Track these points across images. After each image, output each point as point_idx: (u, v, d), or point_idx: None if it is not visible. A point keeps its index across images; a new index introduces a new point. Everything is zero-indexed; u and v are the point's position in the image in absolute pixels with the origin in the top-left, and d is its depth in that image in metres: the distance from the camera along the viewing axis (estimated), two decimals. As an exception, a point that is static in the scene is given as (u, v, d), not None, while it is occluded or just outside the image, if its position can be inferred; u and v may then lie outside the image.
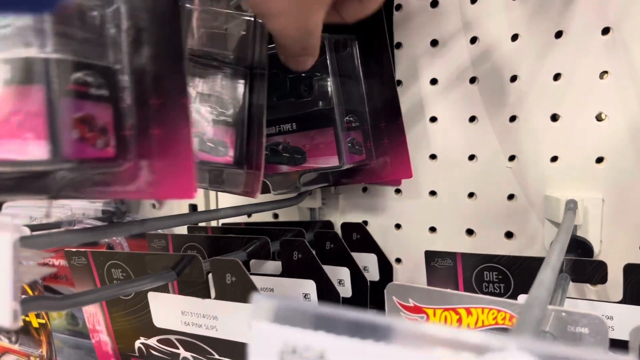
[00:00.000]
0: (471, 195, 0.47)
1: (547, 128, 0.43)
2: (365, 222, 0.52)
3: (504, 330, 0.27)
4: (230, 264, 0.32)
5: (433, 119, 0.47)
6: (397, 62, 0.47)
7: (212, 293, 0.35)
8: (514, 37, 0.43)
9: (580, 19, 0.41)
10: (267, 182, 0.47)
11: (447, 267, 0.40)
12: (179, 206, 0.61)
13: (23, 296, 0.25)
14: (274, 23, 0.28)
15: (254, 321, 0.15)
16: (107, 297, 0.32)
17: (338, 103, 0.42)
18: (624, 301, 0.35)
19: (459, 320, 0.28)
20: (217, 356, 0.36)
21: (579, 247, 0.42)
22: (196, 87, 0.37)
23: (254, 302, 0.15)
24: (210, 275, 0.34)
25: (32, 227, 0.54)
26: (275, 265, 0.44)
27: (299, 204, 0.51)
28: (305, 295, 0.40)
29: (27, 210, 0.64)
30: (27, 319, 0.41)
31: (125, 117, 0.25)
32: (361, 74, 0.44)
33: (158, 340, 0.38)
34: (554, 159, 0.43)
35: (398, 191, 0.50)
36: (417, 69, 0.47)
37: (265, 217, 0.57)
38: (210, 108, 0.37)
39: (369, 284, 0.44)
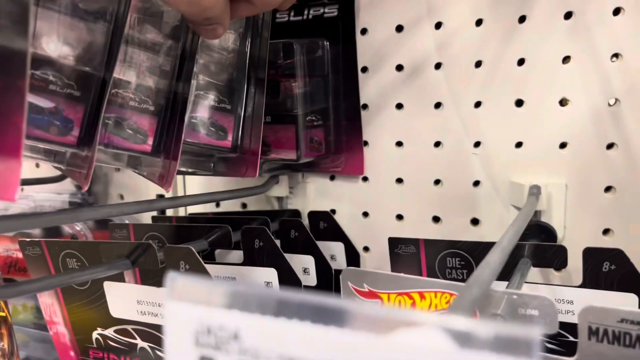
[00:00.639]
0: (437, 182, 0.46)
1: (511, 114, 0.43)
2: (334, 211, 0.51)
3: (457, 314, 0.27)
4: (183, 252, 0.32)
5: (399, 106, 0.47)
6: (363, 48, 0.47)
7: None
8: (478, 22, 0.43)
9: (543, 3, 0.40)
10: None
11: (411, 254, 0.40)
12: (146, 195, 0.60)
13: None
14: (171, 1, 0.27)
15: (168, 300, 0.14)
16: (54, 286, 0.31)
17: (302, 106, 0.44)
18: (583, 285, 0.35)
19: (413, 305, 0.28)
20: (175, 346, 0.35)
21: (543, 233, 0.42)
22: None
23: (168, 280, 0.14)
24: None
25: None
26: (240, 255, 0.43)
27: (267, 192, 0.50)
28: (267, 284, 0.39)
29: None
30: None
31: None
32: (330, 75, 0.46)
33: (115, 331, 0.37)
34: (519, 144, 0.43)
35: (365, 179, 0.49)
36: (383, 55, 0.46)
37: (234, 207, 0.56)
38: (212, 95, 0.37)
39: (333, 272, 0.44)
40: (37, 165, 0.65)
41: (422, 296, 0.28)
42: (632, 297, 0.34)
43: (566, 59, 0.41)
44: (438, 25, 0.44)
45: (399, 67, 0.46)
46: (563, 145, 0.42)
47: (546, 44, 0.41)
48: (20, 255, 0.52)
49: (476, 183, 0.45)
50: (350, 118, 0.47)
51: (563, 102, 0.41)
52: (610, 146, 0.40)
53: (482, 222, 0.45)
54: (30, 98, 0.27)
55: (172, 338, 0.14)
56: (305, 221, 0.51)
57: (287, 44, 0.43)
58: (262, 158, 0.47)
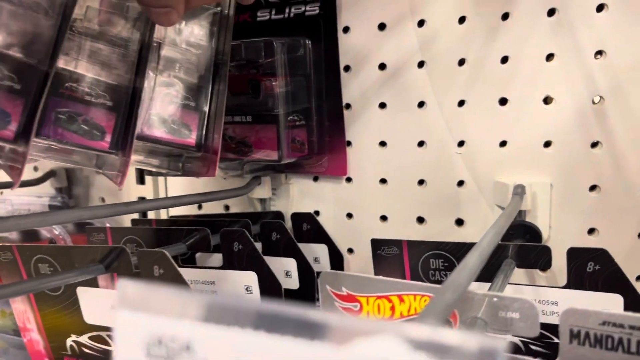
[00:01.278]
0: (421, 182, 0.46)
1: (495, 112, 0.42)
2: (317, 212, 0.50)
3: (437, 317, 0.26)
4: (157, 256, 0.31)
5: (382, 105, 0.46)
6: (345, 47, 0.46)
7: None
8: (461, 20, 0.42)
9: (526, 0, 0.40)
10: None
11: (394, 256, 0.39)
12: (127, 198, 0.59)
13: None
14: None
15: (119, 308, 0.14)
16: (24, 292, 0.30)
17: (283, 105, 0.43)
18: (568, 286, 0.34)
19: (392, 308, 0.27)
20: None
21: (528, 233, 0.41)
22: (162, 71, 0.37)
23: (118, 287, 0.14)
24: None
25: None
26: (220, 258, 0.42)
27: (249, 194, 0.49)
28: (247, 288, 0.38)
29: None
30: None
31: None
32: (312, 74, 0.46)
33: (89, 337, 0.36)
34: (503, 143, 0.42)
35: (349, 180, 0.49)
36: (366, 53, 0.46)
37: (216, 209, 0.55)
38: (176, 92, 0.36)
39: (315, 274, 0.43)
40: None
41: (401, 299, 0.27)
42: (617, 297, 0.33)
43: (550, 57, 0.40)
44: (421, 23, 0.43)
45: (382, 66, 0.45)
46: (547, 144, 0.41)
47: (530, 41, 0.40)
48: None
49: (460, 183, 0.44)
50: (332, 118, 0.47)
51: (547, 100, 0.41)
52: (594, 145, 0.40)
53: (467, 222, 0.45)
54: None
55: (123, 348, 0.14)
56: (289, 223, 0.50)
57: (268, 43, 0.43)
58: (244, 159, 0.46)
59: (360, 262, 0.49)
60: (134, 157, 0.39)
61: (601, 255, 0.33)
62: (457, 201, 0.45)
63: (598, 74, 0.39)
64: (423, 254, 0.38)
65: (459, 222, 0.45)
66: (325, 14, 0.45)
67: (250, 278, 0.38)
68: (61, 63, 0.32)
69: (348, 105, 0.47)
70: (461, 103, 0.43)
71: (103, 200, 0.61)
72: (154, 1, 0.28)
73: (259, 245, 0.45)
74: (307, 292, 0.43)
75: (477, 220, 0.44)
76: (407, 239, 0.38)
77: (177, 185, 0.56)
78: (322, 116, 0.47)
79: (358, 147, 0.47)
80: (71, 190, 0.62)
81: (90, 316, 0.35)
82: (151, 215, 0.56)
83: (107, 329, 0.35)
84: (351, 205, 0.49)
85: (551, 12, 0.39)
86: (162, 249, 0.35)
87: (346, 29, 0.46)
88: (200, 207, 0.55)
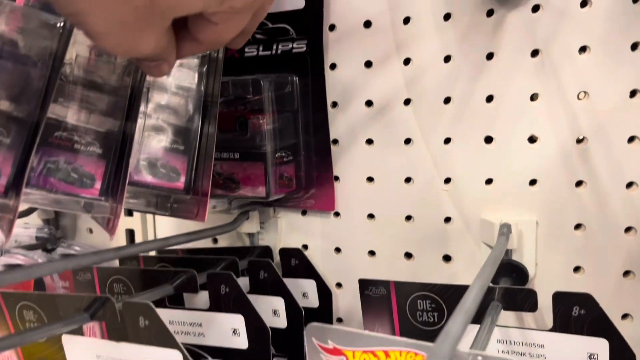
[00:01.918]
0: (408, 218, 0.46)
1: (481, 150, 0.43)
2: (306, 246, 0.50)
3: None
4: (142, 308, 0.31)
5: (369, 141, 0.46)
6: (332, 83, 0.46)
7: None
8: (447, 59, 0.43)
9: (510, 41, 0.40)
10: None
11: (381, 296, 0.39)
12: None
13: None
14: (100, 43, 0.25)
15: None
16: (9, 347, 0.30)
17: (271, 142, 0.43)
18: (554, 329, 0.35)
19: (378, 363, 0.27)
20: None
21: (514, 272, 0.41)
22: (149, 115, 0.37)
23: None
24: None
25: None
26: (207, 298, 0.42)
27: (237, 229, 0.49)
28: (234, 331, 0.38)
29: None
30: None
31: None
32: (300, 110, 0.46)
33: (75, 385, 0.36)
34: (489, 181, 0.43)
35: (337, 214, 0.49)
36: (352, 90, 0.46)
37: (204, 242, 0.55)
38: (164, 136, 0.36)
39: (303, 314, 0.43)
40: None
41: (387, 355, 0.27)
42: (602, 341, 0.33)
43: (534, 97, 0.41)
44: (407, 62, 0.44)
45: (369, 103, 0.46)
46: (533, 182, 0.41)
47: (514, 81, 0.41)
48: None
49: (447, 219, 0.45)
50: (320, 153, 0.47)
51: (532, 139, 0.41)
52: (579, 184, 0.40)
53: (454, 258, 0.45)
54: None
55: None
56: (277, 258, 0.50)
57: (255, 81, 0.43)
58: (231, 195, 0.46)
59: (348, 297, 0.49)
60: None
61: (586, 300, 0.33)
62: (444, 237, 0.45)
63: (581, 114, 0.39)
64: (411, 294, 0.38)
65: (447, 258, 0.45)
66: (312, 51, 0.45)
67: (237, 321, 0.38)
68: (50, 112, 0.32)
69: (335, 141, 0.47)
70: (447, 140, 0.44)
71: (91, 231, 0.61)
72: (145, 56, 0.28)
73: (246, 280, 0.45)
74: (295, 331, 0.43)
75: (464, 256, 0.44)
76: (394, 280, 0.38)
77: (165, 220, 0.56)
78: (309, 151, 0.47)
79: (346, 182, 0.48)
80: (58, 222, 0.61)
81: (75, 364, 0.35)
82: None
83: (92, 377, 0.35)
84: (339, 240, 0.49)
85: (535, 53, 0.40)
86: (148, 296, 0.35)
87: (333, 66, 0.46)
88: (188, 239, 0.55)
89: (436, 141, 0.44)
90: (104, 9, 0.23)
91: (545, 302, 0.35)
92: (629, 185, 0.39)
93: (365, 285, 0.39)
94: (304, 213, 0.50)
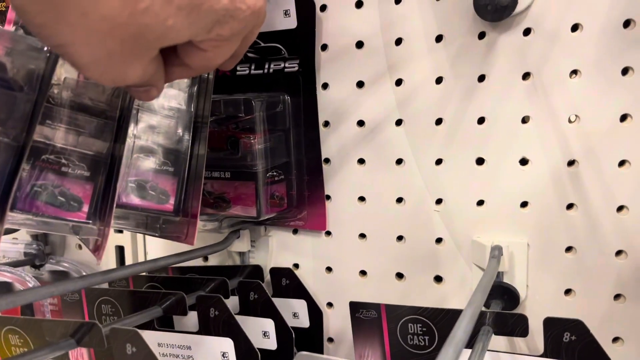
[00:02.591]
0: (400, 238, 0.46)
1: (472, 172, 0.43)
2: (297, 265, 0.50)
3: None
4: (129, 334, 0.30)
5: (361, 161, 0.46)
6: (324, 103, 0.46)
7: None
8: (439, 80, 0.43)
9: (502, 63, 0.40)
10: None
11: (372, 319, 0.39)
12: (105, 249, 0.58)
13: None
14: (87, 73, 0.25)
15: None
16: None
17: (262, 162, 0.43)
18: (545, 355, 0.35)
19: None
20: None
21: (505, 294, 0.41)
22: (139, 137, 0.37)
23: None
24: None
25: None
26: (197, 320, 0.41)
27: (228, 248, 0.49)
28: (224, 354, 0.38)
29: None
30: None
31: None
32: (291, 129, 0.46)
33: (60, 411, 0.35)
34: (480, 202, 0.43)
35: (329, 233, 0.48)
36: (344, 110, 0.46)
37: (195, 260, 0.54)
38: (154, 158, 0.36)
39: (293, 335, 0.42)
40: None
41: (376, 385, 0.27)
42: (593, 368, 0.33)
43: (525, 119, 0.41)
44: (399, 82, 0.44)
45: (360, 123, 0.46)
46: (524, 204, 0.41)
47: (505, 103, 0.41)
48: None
49: (438, 240, 0.44)
50: (312, 172, 0.47)
51: (523, 162, 0.41)
52: (570, 206, 0.40)
53: (445, 279, 0.45)
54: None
55: None
56: (268, 276, 0.50)
57: (246, 101, 0.43)
58: (222, 214, 0.46)
59: (339, 317, 0.49)
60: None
61: (577, 326, 0.33)
62: (435, 258, 0.45)
63: (572, 137, 0.39)
64: (401, 318, 0.38)
65: (438, 279, 0.45)
66: (304, 70, 0.45)
67: (226, 344, 0.38)
68: (37, 135, 0.32)
69: (327, 160, 0.47)
70: (439, 161, 0.44)
71: (80, 247, 0.60)
72: (133, 83, 0.28)
73: (236, 301, 0.45)
74: (285, 353, 0.43)
75: (455, 277, 0.44)
76: (385, 303, 0.38)
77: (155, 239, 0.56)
78: (301, 170, 0.47)
79: (337, 202, 0.47)
80: (47, 238, 0.61)
81: (61, 390, 0.35)
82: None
83: (78, 403, 0.34)
84: (330, 259, 0.49)
85: (526, 76, 0.40)
86: (136, 319, 0.35)
87: (325, 86, 0.46)
88: (178, 257, 0.55)
89: (428, 162, 0.44)
90: (90, 41, 0.22)
91: (536, 325, 0.35)
92: (620, 208, 0.39)
93: (356, 307, 0.39)
94: (295, 232, 0.50)
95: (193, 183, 0.39)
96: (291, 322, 0.45)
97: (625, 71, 0.37)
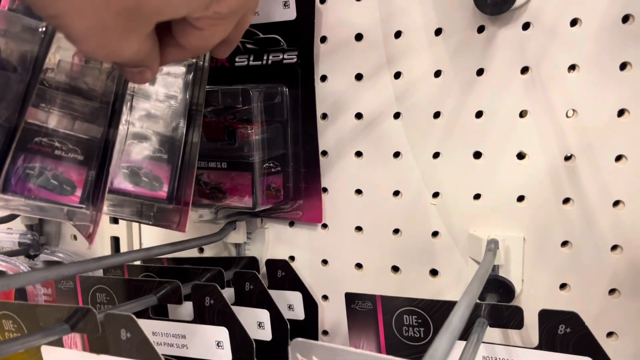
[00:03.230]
0: (396, 231, 0.46)
1: (470, 165, 0.43)
2: (292, 257, 0.50)
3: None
4: (124, 320, 0.30)
5: (358, 154, 0.46)
6: (323, 95, 0.46)
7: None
8: (437, 73, 0.43)
9: (500, 57, 0.41)
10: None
11: (367, 310, 0.39)
12: (101, 238, 0.58)
13: None
14: (80, 47, 0.25)
15: None
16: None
17: (259, 153, 0.43)
18: (540, 347, 0.35)
19: (363, 381, 0.27)
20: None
21: (501, 287, 0.41)
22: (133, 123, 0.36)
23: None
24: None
25: None
26: (192, 309, 0.41)
27: (224, 239, 0.49)
28: (218, 343, 0.38)
29: None
30: None
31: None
32: (289, 120, 0.46)
33: (53, 397, 0.35)
34: (477, 196, 0.43)
35: (325, 226, 0.48)
36: (343, 102, 0.46)
37: (190, 251, 0.54)
38: (148, 144, 0.36)
39: (288, 326, 0.42)
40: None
41: (371, 372, 0.27)
42: (588, 360, 0.33)
43: (523, 113, 0.41)
44: (397, 75, 0.44)
45: (359, 115, 0.45)
46: (521, 199, 0.42)
47: (503, 97, 0.41)
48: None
49: (435, 234, 0.45)
50: (308, 165, 0.47)
51: (521, 156, 0.41)
52: (566, 201, 0.40)
53: (441, 273, 0.45)
54: None
55: None
56: (263, 268, 0.50)
57: (244, 91, 0.42)
58: (218, 205, 0.46)
59: (335, 310, 0.49)
60: (104, 208, 0.38)
61: (572, 318, 0.33)
62: (431, 252, 0.45)
63: (570, 132, 0.39)
64: (397, 309, 0.38)
65: (434, 272, 0.45)
66: (302, 62, 0.45)
67: (221, 333, 0.37)
68: (30, 117, 0.31)
69: (325, 153, 0.47)
70: (436, 155, 0.44)
71: (75, 238, 0.60)
72: (124, 61, 0.28)
73: (231, 292, 0.44)
74: (280, 344, 0.42)
75: (451, 271, 0.44)
76: (381, 294, 0.38)
77: (151, 228, 0.56)
78: (298, 163, 0.47)
79: (334, 194, 0.47)
80: (42, 228, 0.60)
81: (54, 376, 0.34)
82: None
83: (71, 390, 0.34)
84: (327, 252, 0.49)
85: (524, 70, 0.40)
86: (131, 307, 0.34)
87: (324, 78, 0.46)
88: (174, 248, 0.55)
89: (425, 155, 0.44)
90: (85, 12, 0.22)
91: (531, 319, 0.35)
92: (616, 203, 0.39)
93: (351, 299, 0.39)
94: (291, 224, 0.50)
95: (186, 171, 0.38)
96: (286, 314, 0.45)
97: (623, 66, 0.38)
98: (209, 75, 0.41)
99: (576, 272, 0.41)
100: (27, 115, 0.31)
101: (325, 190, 0.48)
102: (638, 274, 0.39)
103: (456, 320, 0.24)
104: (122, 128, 0.36)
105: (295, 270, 0.48)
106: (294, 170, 0.47)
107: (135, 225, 0.56)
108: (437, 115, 0.43)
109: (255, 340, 0.38)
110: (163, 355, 0.30)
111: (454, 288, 0.44)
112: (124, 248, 0.57)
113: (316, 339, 0.48)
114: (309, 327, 0.47)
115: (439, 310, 0.37)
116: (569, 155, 0.40)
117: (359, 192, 0.47)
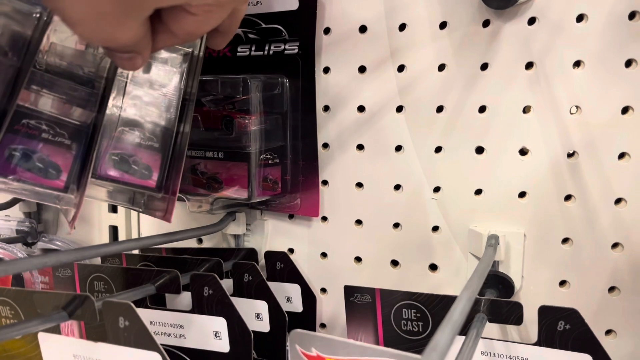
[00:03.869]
0: (396, 225, 0.46)
1: (472, 160, 0.42)
2: (292, 250, 0.50)
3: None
4: (123, 308, 0.30)
5: (360, 147, 0.46)
6: (325, 87, 0.46)
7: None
8: (441, 67, 0.42)
9: (505, 52, 0.40)
10: (184, 198, 0.46)
11: (366, 303, 0.39)
12: (99, 226, 0.58)
13: None
14: (77, 31, 0.24)
15: None
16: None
17: (256, 143, 0.43)
18: (538, 343, 0.35)
19: (362, 373, 0.27)
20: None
21: (500, 283, 0.41)
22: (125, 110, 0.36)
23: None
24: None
25: None
26: (190, 299, 0.41)
27: (223, 230, 0.49)
28: (216, 334, 0.38)
29: None
30: None
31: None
32: (289, 112, 0.45)
33: (49, 385, 0.35)
34: (478, 191, 0.43)
35: (325, 219, 0.48)
36: (345, 95, 0.46)
37: (189, 242, 0.54)
38: (139, 132, 0.36)
39: (286, 318, 0.42)
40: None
41: (370, 364, 0.26)
42: (586, 357, 0.33)
43: (526, 109, 0.40)
44: (401, 69, 0.43)
45: (361, 108, 0.45)
46: (522, 195, 0.41)
47: (507, 92, 0.41)
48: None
49: (435, 228, 0.44)
50: (307, 158, 0.46)
51: (523, 152, 0.41)
52: (568, 198, 0.40)
53: (440, 268, 0.45)
54: None
55: None
56: (262, 260, 0.49)
57: (243, 80, 0.42)
58: (214, 195, 0.45)
59: (333, 303, 0.49)
60: (99, 194, 0.38)
61: (572, 315, 0.33)
62: (431, 246, 0.45)
63: (573, 128, 0.39)
64: (396, 303, 0.38)
65: (433, 267, 0.45)
66: (304, 53, 0.45)
67: (219, 324, 0.37)
68: (19, 99, 0.31)
69: (326, 145, 0.47)
70: (438, 149, 0.43)
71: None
72: (117, 47, 0.27)
73: (230, 283, 0.44)
74: (278, 335, 0.42)
75: (450, 266, 0.44)
76: (380, 288, 0.38)
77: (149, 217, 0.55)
78: (297, 155, 0.46)
79: (335, 187, 0.47)
80: (40, 215, 0.60)
81: (51, 363, 0.34)
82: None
83: (68, 377, 0.34)
84: (326, 245, 0.49)
85: (529, 65, 0.40)
86: (129, 296, 0.34)
87: (326, 70, 0.46)
88: (172, 238, 0.54)
89: (427, 149, 0.44)
90: None
91: (530, 315, 0.35)
92: (618, 201, 0.39)
93: (350, 291, 0.39)
94: (290, 217, 0.50)
95: (176, 160, 0.38)
96: (285, 307, 0.44)
97: (628, 63, 0.37)
98: (210, 64, 0.40)
99: (576, 269, 0.40)
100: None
101: (325, 183, 0.47)
102: (638, 272, 0.39)
103: (457, 313, 0.24)
104: (114, 114, 0.35)
105: (294, 262, 0.48)
106: (292, 163, 0.46)
107: (134, 214, 0.56)
108: (440, 109, 0.43)
109: (253, 331, 0.38)
110: (160, 345, 0.30)
111: (453, 283, 0.44)
112: (122, 237, 0.57)
113: (314, 331, 0.48)
114: (306, 319, 0.47)
115: (438, 304, 0.37)
116: (571, 152, 0.40)
117: (359, 185, 0.46)
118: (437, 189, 0.44)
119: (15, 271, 0.28)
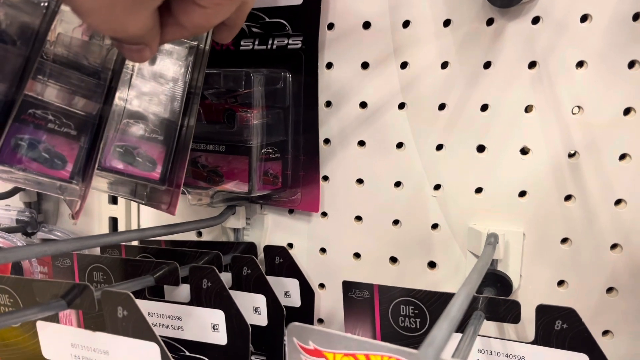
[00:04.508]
0: (396, 222, 0.46)
1: (473, 159, 0.42)
2: (291, 244, 0.50)
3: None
4: (121, 297, 0.30)
5: (361, 143, 0.46)
6: (327, 82, 0.46)
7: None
8: (444, 65, 0.42)
9: (508, 51, 0.40)
10: (185, 191, 0.46)
11: (364, 299, 0.39)
12: (99, 217, 0.58)
13: None
14: (87, 21, 0.24)
15: None
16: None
17: (257, 137, 0.43)
18: (536, 342, 0.35)
19: (359, 367, 0.27)
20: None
21: (499, 281, 0.41)
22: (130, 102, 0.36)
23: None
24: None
25: None
26: (188, 291, 0.41)
27: (222, 223, 0.49)
28: (214, 326, 0.38)
29: None
30: None
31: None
32: (291, 107, 0.46)
33: (47, 373, 0.35)
34: (479, 190, 0.43)
35: (325, 214, 0.48)
36: (347, 90, 0.45)
37: (188, 234, 0.54)
38: (144, 125, 0.36)
39: (284, 312, 0.42)
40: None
41: (368, 359, 0.26)
42: (583, 357, 0.33)
43: (529, 108, 0.40)
44: (404, 65, 0.43)
45: (363, 104, 0.45)
46: (522, 194, 0.41)
47: (510, 91, 0.41)
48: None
49: (434, 226, 0.44)
50: (308, 153, 0.46)
51: (524, 151, 0.41)
52: (568, 198, 0.40)
53: (439, 266, 0.45)
54: None
55: None
56: (261, 255, 0.49)
57: (245, 74, 0.42)
58: (214, 188, 0.45)
59: (331, 299, 0.49)
60: (100, 185, 0.38)
61: (569, 315, 0.33)
62: (430, 244, 0.45)
63: (574, 129, 0.39)
64: (394, 299, 0.38)
65: (432, 264, 0.45)
66: (307, 48, 0.45)
67: (217, 316, 0.37)
68: (26, 89, 0.31)
69: (327, 141, 0.47)
70: (439, 147, 0.43)
71: (72, 216, 0.60)
72: (126, 38, 0.27)
73: (228, 276, 0.44)
74: (275, 329, 0.42)
75: (449, 264, 0.44)
76: (378, 284, 0.38)
77: (149, 209, 0.55)
78: (298, 150, 0.46)
79: (335, 183, 0.47)
80: (40, 205, 0.60)
81: (49, 352, 0.34)
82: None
83: (66, 366, 0.34)
84: (325, 240, 0.49)
85: (532, 65, 0.40)
86: (127, 286, 0.34)
87: (329, 65, 0.46)
88: (172, 231, 0.54)
89: (428, 147, 0.44)
90: None
91: (527, 314, 0.35)
92: (618, 202, 0.39)
93: (349, 287, 0.39)
94: (290, 211, 0.50)
95: (180, 153, 0.38)
96: (283, 301, 0.45)
97: (631, 64, 0.37)
98: (214, 58, 0.40)
99: (575, 269, 0.41)
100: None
101: (326, 178, 0.47)
102: (636, 273, 0.39)
103: (455, 309, 0.24)
104: (119, 105, 0.35)
105: (293, 257, 0.48)
106: (293, 158, 0.47)
107: (134, 206, 0.56)
108: (442, 107, 0.43)
109: (250, 325, 0.38)
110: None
111: (451, 281, 0.44)
112: (122, 229, 0.57)
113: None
114: (304, 314, 0.47)
115: (436, 301, 0.37)
116: (572, 152, 0.40)
117: (360, 181, 0.46)
118: (437, 187, 0.44)
119: (15, 259, 0.28)
